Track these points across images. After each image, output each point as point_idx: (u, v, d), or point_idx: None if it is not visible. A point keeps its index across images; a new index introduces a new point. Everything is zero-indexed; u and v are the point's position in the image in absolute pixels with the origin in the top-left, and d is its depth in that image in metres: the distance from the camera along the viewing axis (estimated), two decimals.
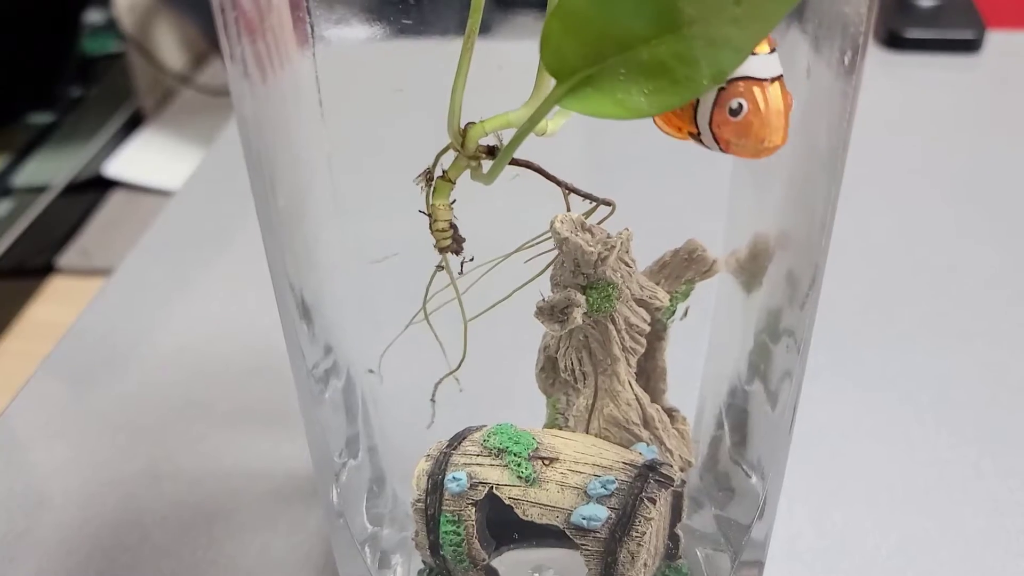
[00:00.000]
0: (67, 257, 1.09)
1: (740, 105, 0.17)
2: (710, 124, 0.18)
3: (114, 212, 1.14)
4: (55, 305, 0.95)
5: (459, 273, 0.24)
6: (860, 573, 0.32)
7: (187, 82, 1.16)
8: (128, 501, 0.35)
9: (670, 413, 0.28)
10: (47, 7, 1.22)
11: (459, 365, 0.25)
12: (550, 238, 0.24)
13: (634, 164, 0.27)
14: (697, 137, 0.19)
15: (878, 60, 0.67)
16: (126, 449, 0.37)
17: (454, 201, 0.22)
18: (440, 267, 0.23)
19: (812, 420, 0.38)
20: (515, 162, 0.21)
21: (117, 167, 1.14)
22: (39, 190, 1.13)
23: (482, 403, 0.27)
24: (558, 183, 0.22)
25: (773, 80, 0.17)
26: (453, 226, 0.22)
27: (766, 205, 0.24)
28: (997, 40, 0.66)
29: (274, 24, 0.20)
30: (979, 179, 0.54)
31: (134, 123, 1.24)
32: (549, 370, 0.27)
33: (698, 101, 0.18)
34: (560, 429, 0.27)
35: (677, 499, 0.26)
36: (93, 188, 1.17)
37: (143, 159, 1.14)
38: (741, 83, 0.17)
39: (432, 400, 0.26)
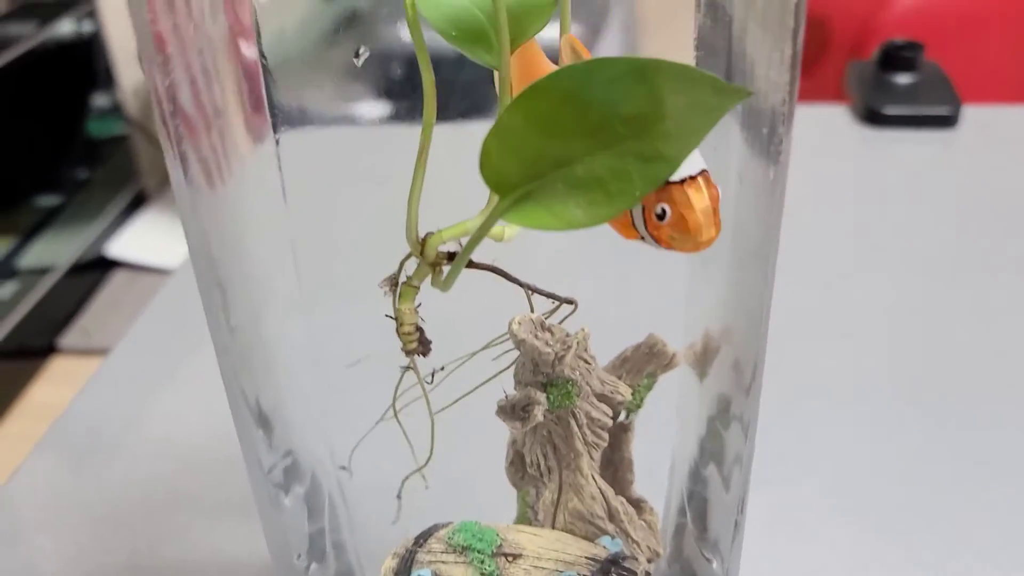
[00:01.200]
0: (68, 337, 1.10)
1: (664, 210, 0.18)
2: (646, 228, 0.19)
3: (115, 292, 1.16)
4: (56, 386, 0.95)
5: (429, 380, 0.24)
6: None
7: None
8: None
9: (638, 504, 0.28)
10: (54, 92, 1.26)
11: (426, 462, 0.25)
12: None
13: (598, 262, 0.28)
14: (643, 240, 0.20)
15: (857, 136, 0.68)
16: (108, 539, 0.38)
17: (419, 304, 0.23)
18: (407, 368, 0.24)
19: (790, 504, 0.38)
20: (476, 266, 0.22)
21: (119, 247, 1.15)
22: (43, 271, 1.14)
23: (454, 498, 0.28)
24: (520, 284, 0.23)
25: (694, 178, 0.18)
26: (419, 329, 0.23)
27: (712, 298, 0.25)
28: (973, 115, 0.68)
29: (223, 128, 0.21)
30: (957, 252, 0.55)
31: (137, 203, 1.27)
32: (518, 464, 0.28)
33: (631, 209, 0.19)
34: (530, 523, 0.27)
35: None
36: (95, 268, 1.19)
37: (145, 239, 1.16)
38: (662, 188, 0.18)
39: (398, 497, 0.26)
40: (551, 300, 0.23)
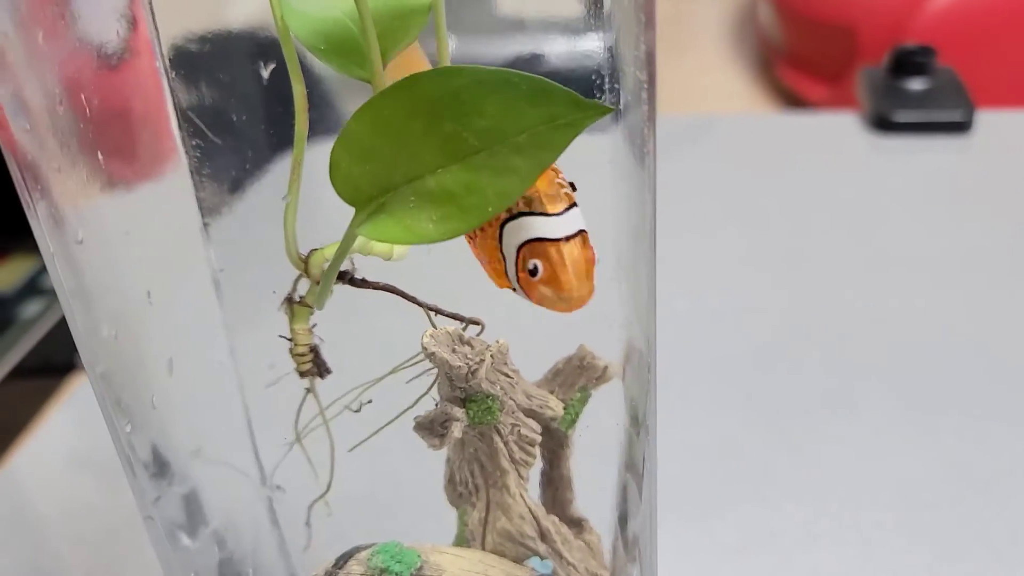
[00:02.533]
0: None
1: (536, 266, 0.17)
2: (518, 282, 0.18)
3: None
4: (76, 401, 0.97)
5: (356, 409, 0.24)
6: None
7: None
8: None
9: (578, 523, 0.27)
10: None
11: (327, 489, 0.24)
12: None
13: None
14: (514, 291, 0.19)
15: (868, 144, 0.66)
16: (68, 558, 0.38)
17: (314, 325, 0.22)
18: (308, 390, 0.23)
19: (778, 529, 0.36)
20: (371, 286, 0.22)
21: None
22: None
23: (392, 518, 0.27)
24: (419, 304, 0.22)
25: (570, 238, 0.17)
26: (314, 349, 0.22)
27: (628, 306, 0.24)
28: (987, 120, 0.66)
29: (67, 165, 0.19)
30: (971, 259, 0.53)
31: None
32: (456, 482, 0.27)
33: (504, 262, 0.18)
34: (468, 543, 0.26)
35: None
36: None
37: None
38: (536, 244, 0.17)
39: (307, 524, 0.25)
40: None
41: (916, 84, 0.68)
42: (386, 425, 0.24)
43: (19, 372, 1.05)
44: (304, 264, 0.20)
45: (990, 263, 0.53)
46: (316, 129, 0.21)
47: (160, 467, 0.23)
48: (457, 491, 0.26)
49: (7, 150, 0.18)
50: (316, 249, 0.20)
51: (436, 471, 0.27)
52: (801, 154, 0.67)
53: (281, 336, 0.22)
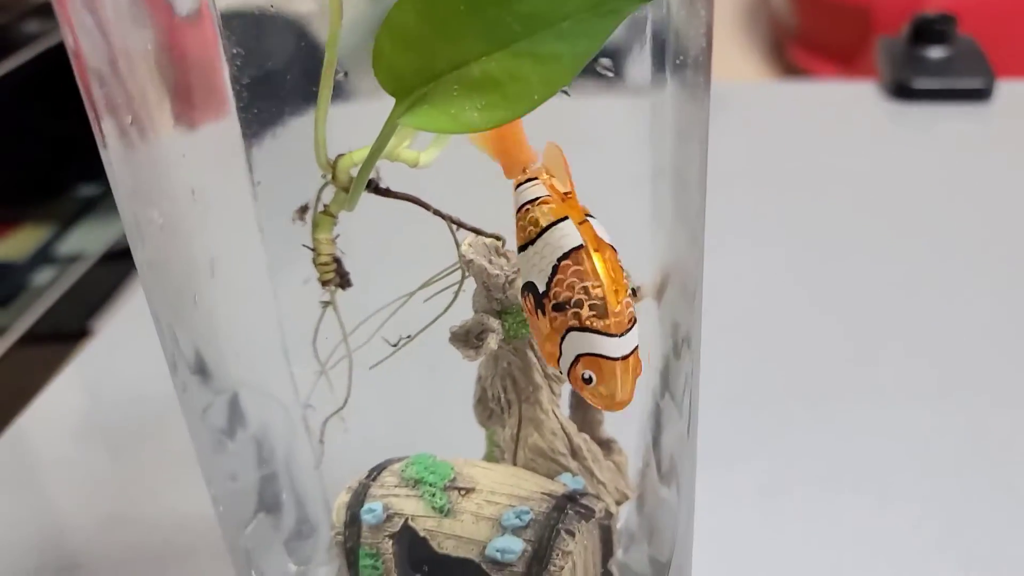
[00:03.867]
0: (102, 322, 1.13)
1: (591, 377, 0.19)
2: (568, 376, 0.19)
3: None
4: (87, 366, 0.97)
5: (393, 344, 0.24)
6: None
7: None
8: (88, 547, 0.35)
9: (606, 444, 0.27)
10: None
11: (344, 404, 0.24)
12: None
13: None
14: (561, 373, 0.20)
15: (887, 111, 0.66)
16: (93, 495, 0.38)
17: (337, 236, 0.22)
18: (326, 303, 0.23)
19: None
20: (395, 195, 0.22)
21: None
22: (77, 258, 1.17)
23: (421, 435, 0.27)
24: (442, 216, 0.22)
25: (626, 357, 0.19)
26: (337, 260, 0.22)
27: (664, 228, 0.24)
28: (1007, 89, 0.65)
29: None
30: (990, 228, 0.53)
31: None
32: (485, 402, 0.27)
33: (561, 355, 0.19)
34: (496, 462, 0.26)
35: (606, 533, 0.25)
36: (129, 256, 1.20)
37: None
38: (594, 359, 0.19)
39: (320, 441, 0.25)
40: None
41: (936, 52, 0.67)
42: (412, 338, 0.24)
43: (30, 338, 1.05)
44: (332, 169, 0.20)
45: (1009, 229, 0.53)
46: (300, 110, 0.22)
47: (201, 369, 0.23)
48: (488, 409, 0.26)
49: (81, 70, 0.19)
50: (343, 154, 0.20)
51: (464, 391, 0.27)
52: (819, 121, 0.67)
53: (304, 245, 0.22)
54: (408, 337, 0.24)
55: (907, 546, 0.33)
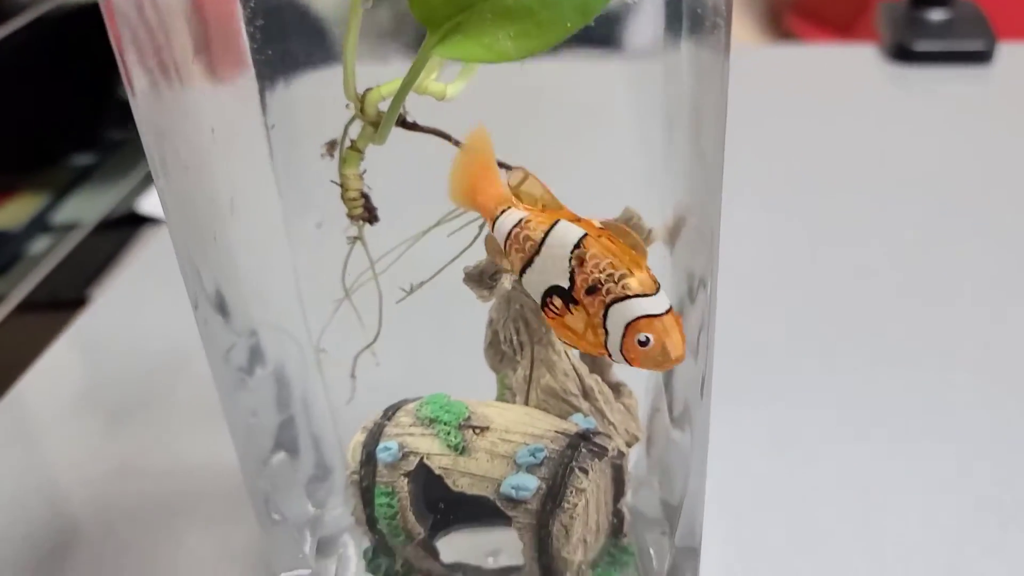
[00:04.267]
0: (97, 290, 1.12)
1: (647, 338, 0.20)
2: (621, 351, 0.20)
3: (143, 248, 1.17)
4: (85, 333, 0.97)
5: (405, 291, 0.24)
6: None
7: None
8: (97, 498, 0.36)
9: (616, 387, 0.27)
10: (89, 54, 1.28)
11: (375, 339, 0.25)
12: None
13: (572, 139, 0.27)
14: (610, 356, 0.21)
15: (887, 74, 0.66)
16: (101, 448, 0.38)
17: (364, 171, 0.22)
18: (355, 238, 0.23)
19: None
20: (421, 129, 0.22)
21: (149, 204, 1.17)
22: (74, 227, 1.17)
23: (431, 378, 0.27)
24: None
25: (667, 312, 0.20)
26: (365, 195, 0.22)
27: (678, 170, 0.24)
28: (1009, 52, 0.65)
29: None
30: (991, 190, 0.53)
31: None
32: (496, 346, 0.27)
33: (607, 335, 0.20)
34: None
35: (618, 473, 0.25)
36: (126, 224, 1.21)
37: None
38: (644, 320, 0.20)
39: (352, 376, 0.25)
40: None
41: (937, 15, 0.67)
42: (432, 278, 0.24)
43: (27, 307, 1.05)
44: (360, 103, 0.20)
45: (1009, 189, 0.53)
46: (313, 59, 0.22)
47: (221, 307, 0.23)
48: (500, 353, 0.27)
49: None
50: (371, 88, 0.20)
51: (475, 335, 0.27)
52: (819, 84, 0.67)
53: (332, 181, 0.22)
54: (421, 282, 0.24)
55: (915, 489, 0.33)
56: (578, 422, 0.25)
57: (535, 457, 0.24)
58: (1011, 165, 0.55)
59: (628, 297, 0.20)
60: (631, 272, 0.20)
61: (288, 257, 0.25)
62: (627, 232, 0.22)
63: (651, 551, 0.27)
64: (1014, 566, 0.30)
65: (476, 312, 0.26)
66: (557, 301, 0.21)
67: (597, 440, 0.24)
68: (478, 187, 0.21)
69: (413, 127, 0.22)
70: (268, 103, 0.24)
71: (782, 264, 0.47)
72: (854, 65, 0.68)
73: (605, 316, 0.20)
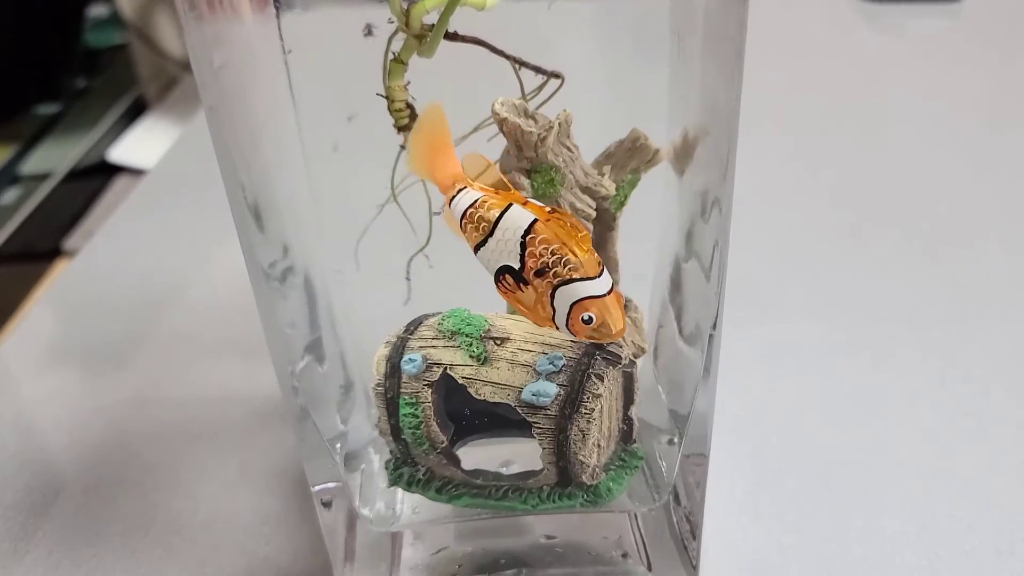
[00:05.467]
0: (73, 240, 1.11)
1: (590, 317, 0.22)
2: (567, 326, 0.22)
3: (118, 196, 1.16)
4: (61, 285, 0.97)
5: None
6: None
7: (188, 69, 1.19)
8: (115, 425, 0.37)
9: (624, 303, 0.28)
10: (51, 4, 1.26)
11: (427, 242, 0.26)
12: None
13: (578, 64, 0.28)
14: (557, 328, 0.23)
15: (860, 11, 0.67)
16: (113, 378, 0.39)
17: (408, 83, 0.23)
18: (402, 147, 0.24)
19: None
20: (462, 39, 0.23)
21: (120, 153, 1.16)
22: (45, 177, 1.15)
23: (447, 294, 0.28)
24: (506, 56, 0.23)
25: (609, 292, 0.22)
26: (410, 106, 0.23)
27: (691, 94, 0.25)
28: None
29: None
30: (961, 126, 0.55)
31: (137, 110, 1.27)
32: None
33: (554, 312, 0.22)
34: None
35: (628, 381, 0.27)
36: (97, 174, 1.19)
37: (146, 145, 1.16)
38: (587, 301, 0.22)
39: (407, 278, 0.27)
40: (538, 76, 0.24)
41: None
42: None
43: (2, 258, 1.04)
44: (405, 16, 0.21)
45: (977, 121, 0.55)
46: None
47: (257, 217, 0.24)
48: None
49: None
50: (416, 2, 0.21)
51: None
52: (790, 22, 0.68)
53: (378, 94, 0.23)
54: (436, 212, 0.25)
55: (897, 400, 0.35)
56: None
57: (554, 365, 0.25)
58: (979, 98, 0.57)
59: (573, 280, 0.22)
60: (576, 257, 0.22)
61: (304, 180, 0.26)
62: (572, 217, 0.24)
63: (659, 457, 0.29)
64: (992, 465, 0.33)
65: None
66: (507, 280, 0.22)
67: (611, 348, 0.26)
68: (435, 163, 0.23)
69: (454, 37, 0.22)
70: (284, 28, 0.25)
71: (763, 193, 0.49)
72: (823, 4, 0.69)
73: (552, 295, 0.22)
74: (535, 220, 0.22)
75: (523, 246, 0.22)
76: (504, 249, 0.22)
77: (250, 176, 0.24)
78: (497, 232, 0.22)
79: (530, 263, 0.22)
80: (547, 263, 0.22)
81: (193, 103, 1.13)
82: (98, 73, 1.22)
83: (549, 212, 0.22)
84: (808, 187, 0.50)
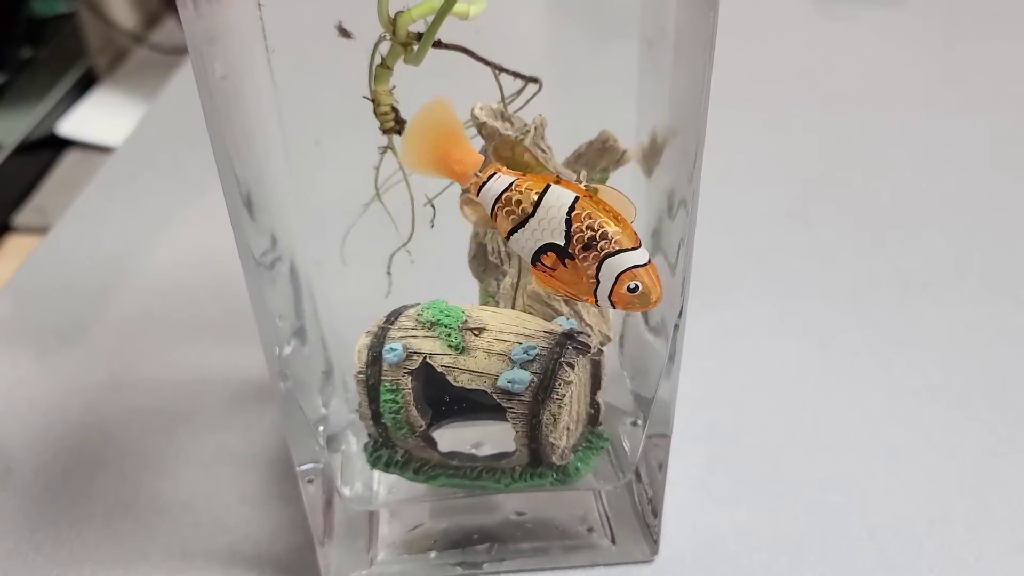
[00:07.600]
0: (23, 216, 1.09)
1: (636, 286, 0.23)
2: (610, 298, 0.23)
3: (69, 171, 1.14)
4: (13, 262, 0.96)
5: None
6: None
7: (140, 41, 1.17)
8: (90, 407, 0.37)
9: None
10: None
11: (409, 238, 0.27)
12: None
13: (552, 68, 0.29)
14: (595, 302, 0.24)
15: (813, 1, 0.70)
16: (87, 362, 0.39)
17: (394, 87, 0.24)
18: (385, 148, 0.25)
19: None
20: (446, 46, 0.24)
21: (70, 126, 1.14)
22: None
23: (420, 287, 0.29)
24: (487, 63, 0.24)
25: (649, 262, 0.23)
26: (395, 109, 0.24)
27: (660, 96, 0.26)
28: None
29: None
30: (907, 112, 0.58)
31: (87, 83, 1.24)
32: (480, 257, 0.30)
33: (598, 284, 0.23)
34: None
35: (596, 368, 0.29)
36: (46, 147, 1.17)
37: (96, 118, 1.14)
38: (633, 271, 0.23)
39: (388, 273, 0.28)
40: (516, 80, 0.25)
41: None
42: (439, 195, 0.27)
43: None
44: (392, 25, 0.22)
45: (923, 111, 0.57)
46: None
47: (249, 207, 0.25)
48: (484, 263, 0.29)
49: None
50: (402, 11, 0.22)
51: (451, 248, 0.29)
52: (745, 11, 0.70)
53: (364, 97, 0.24)
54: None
55: (844, 381, 0.38)
56: (561, 323, 0.28)
57: (528, 354, 0.26)
58: (924, 83, 0.60)
59: (618, 252, 0.23)
60: (621, 230, 0.23)
61: (288, 173, 0.27)
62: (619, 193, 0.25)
63: (623, 439, 0.31)
64: (927, 441, 0.35)
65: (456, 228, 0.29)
66: (549, 257, 0.23)
67: (580, 338, 0.27)
68: (451, 155, 0.24)
69: (438, 45, 0.24)
70: (267, 27, 0.26)
71: (714, 179, 0.51)
72: None
73: (598, 268, 0.23)
74: (577, 197, 0.23)
75: (567, 223, 0.23)
76: (548, 228, 0.23)
77: (243, 168, 0.25)
78: (539, 211, 0.23)
79: (576, 238, 0.23)
80: (594, 237, 0.23)
81: (147, 76, 1.11)
82: (44, 43, 1.19)
83: (584, 189, 0.23)
84: (759, 173, 0.52)
